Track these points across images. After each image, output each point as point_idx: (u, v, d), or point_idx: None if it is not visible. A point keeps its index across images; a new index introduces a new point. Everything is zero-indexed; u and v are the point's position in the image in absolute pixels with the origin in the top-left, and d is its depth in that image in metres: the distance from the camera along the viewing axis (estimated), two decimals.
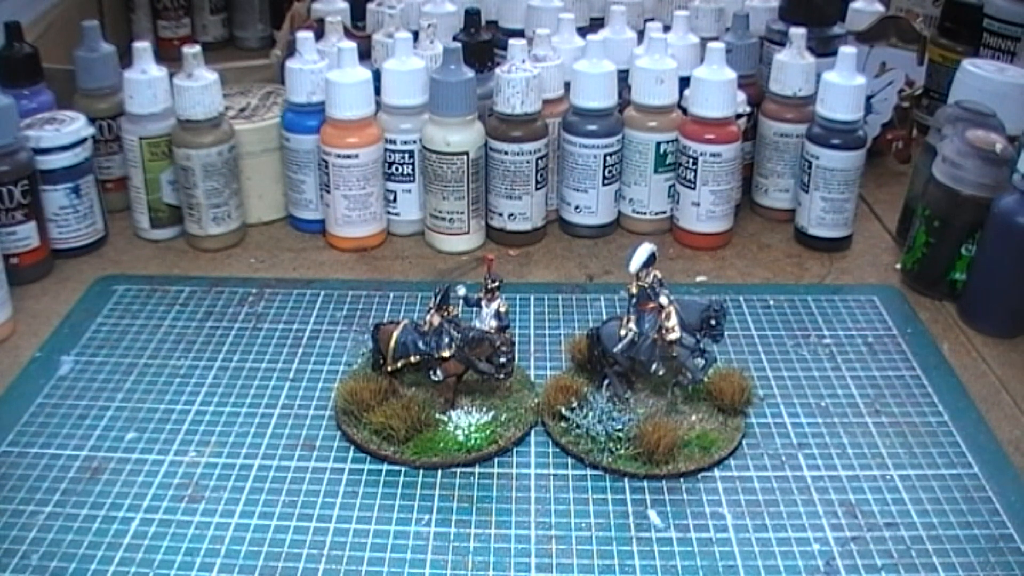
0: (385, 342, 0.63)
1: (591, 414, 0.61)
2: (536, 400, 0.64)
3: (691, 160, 0.82)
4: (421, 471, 0.59)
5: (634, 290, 0.62)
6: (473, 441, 0.60)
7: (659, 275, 0.62)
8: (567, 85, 0.84)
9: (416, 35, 0.86)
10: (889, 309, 0.76)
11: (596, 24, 0.95)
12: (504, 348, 0.61)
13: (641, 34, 0.89)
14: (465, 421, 0.61)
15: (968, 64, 0.85)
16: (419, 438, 0.60)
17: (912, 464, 0.60)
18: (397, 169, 0.84)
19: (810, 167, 0.83)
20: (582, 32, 0.88)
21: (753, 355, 0.71)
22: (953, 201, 0.75)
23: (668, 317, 0.61)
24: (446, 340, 0.62)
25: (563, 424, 0.62)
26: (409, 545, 0.54)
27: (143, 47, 0.82)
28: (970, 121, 0.77)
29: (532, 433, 0.62)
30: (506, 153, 0.82)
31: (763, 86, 0.89)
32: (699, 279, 0.81)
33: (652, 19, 0.94)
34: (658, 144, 0.84)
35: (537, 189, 0.83)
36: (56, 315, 0.75)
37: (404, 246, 0.85)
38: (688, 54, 0.86)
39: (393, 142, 0.83)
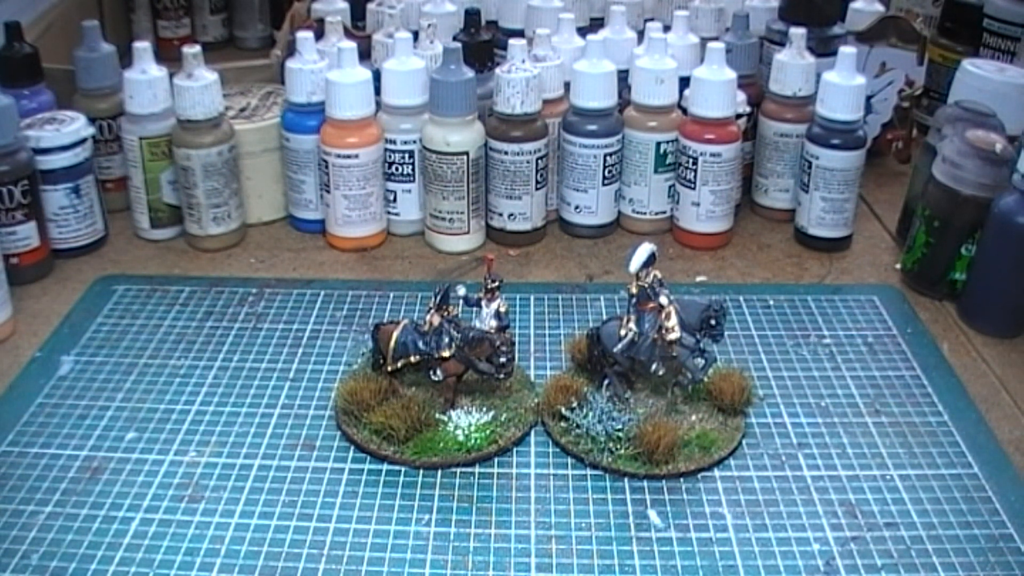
0: (385, 342, 0.63)
1: (591, 414, 0.61)
2: (536, 400, 0.64)
3: (691, 160, 0.82)
4: (421, 471, 0.59)
5: (634, 290, 0.62)
6: (473, 441, 0.60)
7: (659, 275, 0.62)
8: (567, 85, 0.84)
9: (416, 35, 0.86)
10: (889, 309, 0.76)
11: (596, 24, 0.95)
12: (504, 348, 0.61)
13: (641, 34, 0.89)
14: (465, 421, 0.61)
15: (968, 64, 0.85)
16: (419, 438, 0.60)
17: (912, 464, 0.60)
18: (397, 169, 0.84)
19: (810, 167, 0.83)
20: (582, 32, 0.88)
21: (753, 355, 0.71)
22: (953, 201, 0.75)
23: (668, 317, 0.61)
24: (446, 340, 0.62)
25: (563, 424, 0.62)
26: (409, 545, 0.54)
27: (143, 47, 0.82)
28: (970, 121, 0.77)
29: (532, 433, 0.62)
30: (506, 153, 0.82)
31: (763, 86, 0.89)
32: (699, 279, 0.81)
33: (652, 19, 0.94)
34: (658, 144, 0.84)
35: (537, 189, 0.83)
36: (56, 315, 0.75)
37: (404, 246, 0.85)
38: (688, 54, 0.86)
39: (393, 142, 0.83)
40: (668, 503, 0.57)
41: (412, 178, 0.84)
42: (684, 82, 0.83)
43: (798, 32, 0.85)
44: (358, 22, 0.98)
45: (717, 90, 0.80)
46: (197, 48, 0.81)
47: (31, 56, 0.85)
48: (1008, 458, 0.61)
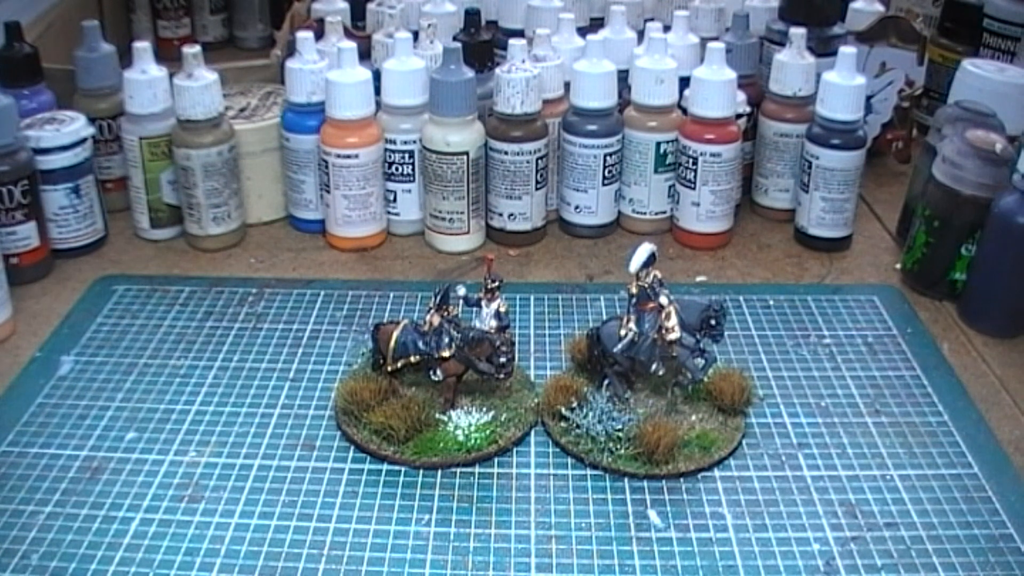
0: (385, 342, 0.63)
1: (591, 414, 0.61)
2: (536, 400, 0.64)
3: (691, 160, 0.82)
4: (421, 471, 0.59)
5: (634, 290, 0.62)
6: (473, 441, 0.60)
7: (659, 275, 0.62)
8: (567, 85, 0.84)
9: (416, 35, 0.86)
10: (889, 309, 0.76)
11: (596, 24, 0.95)
12: (504, 348, 0.61)
13: (641, 34, 0.89)
14: (465, 421, 0.61)
15: (968, 64, 0.85)
16: (419, 438, 0.60)
17: (912, 464, 0.60)
18: (397, 169, 0.84)
19: (810, 167, 0.83)
20: (582, 32, 0.88)
21: (753, 355, 0.71)
22: (953, 201, 0.75)
23: (668, 317, 0.61)
24: (446, 340, 0.62)
25: (563, 424, 0.62)
26: (409, 545, 0.54)
27: (143, 47, 0.82)
28: (970, 121, 0.77)
29: (532, 433, 0.62)
30: (506, 153, 0.82)
31: (763, 86, 0.89)
32: (699, 279, 0.81)
33: (652, 19, 0.94)
34: (658, 144, 0.84)
35: (537, 189, 0.83)
36: (56, 315, 0.75)
37: (404, 246, 0.85)
38: (688, 54, 0.86)
39: (393, 142, 0.83)
40: (668, 503, 0.57)
41: (412, 178, 0.84)
42: (684, 82, 0.83)
43: (798, 32, 0.85)
44: (358, 22, 0.98)
45: (717, 90, 0.80)
46: (197, 48, 0.81)
47: (31, 56, 0.85)
48: (1008, 458, 0.61)
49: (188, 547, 0.54)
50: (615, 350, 0.62)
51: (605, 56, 0.82)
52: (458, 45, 0.81)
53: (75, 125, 0.81)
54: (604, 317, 0.72)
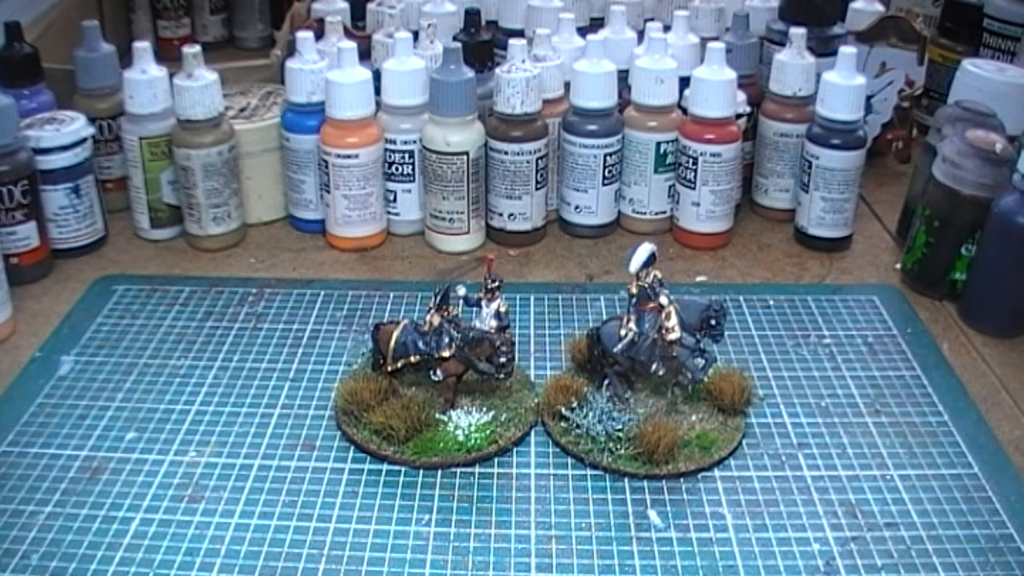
0: (385, 342, 0.63)
1: (591, 414, 0.61)
2: (536, 400, 0.64)
3: (691, 160, 0.82)
4: (421, 471, 0.59)
5: (634, 290, 0.62)
6: (473, 441, 0.60)
7: (659, 275, 0.62)
8: (567, 85, 0.84)
9: (416, 35, 0.86)
10: (889, 309, 0.76)
11: (596, 24, 0.95)
12: (504, 348, 0.61)
13: (641, 34, 0.89)
14: (465, 421, 0.61)
15: (968, 64, 0.85)
16: (419, 438, 0.60)
17: (912, 464, 0.60)
18: (397, 169, 0.84)
19: (810, 167, 0.83)
20: (582, 32, 0.88)
21: (753, 355, 0.71)
22: (953, 201, 0.75)
23: (668, 317, 0.61)
24: (446, 340, 0.62)
25: (563, 424, 0.62)
26: (409, 545, 0.54)
27: (143, 47, 0.82)
28: (970, 121, 0.77)
29: (532, 433, 0.62)
30: (506, 153, 0.82)
31: (763, 86, 0.89)
32: (699, 279, 0.81)
33: (652, 19, 0.94)
34: (658, 144, 0.84)
35: (537, 189, 0.83)
36: (56, 315, 0.75)
37: (404, 246, 0.85)
38: (688, 54, 0.86)
39: (393, 142, 0.83)
40: (668, 503, 0.57)
41: (412, 178, 0.84)
42: (684, 82, 0.83)
43: (798, 32, 0.85)
44: (358, 22, 0.98)
45: (717, 90, 0.80)
46: (197, 48, 0.81)
47: (31, 56, 0.85)
48: (1008, 458, 0.61)
49: (188, 547, 0.54)
50: (615, 350, 0.62)
51: (605, 56, 0.82)
52: (458, 45, 0.81)
53: (75, 125, 0.81)
54: (604, 317, 0.72)
